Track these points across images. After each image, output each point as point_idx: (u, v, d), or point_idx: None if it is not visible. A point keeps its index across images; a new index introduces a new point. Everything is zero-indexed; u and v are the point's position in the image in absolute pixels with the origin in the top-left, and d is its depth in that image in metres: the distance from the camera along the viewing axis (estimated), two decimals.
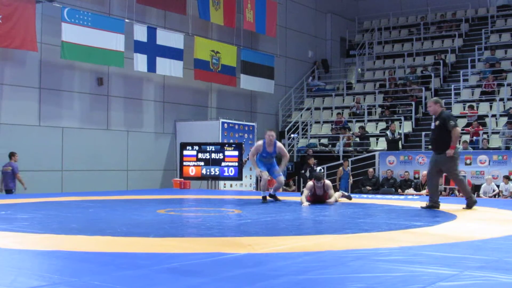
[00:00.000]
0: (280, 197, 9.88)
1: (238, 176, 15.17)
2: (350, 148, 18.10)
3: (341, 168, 16.20)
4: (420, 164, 15.59)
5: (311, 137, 19.67)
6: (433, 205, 8.37)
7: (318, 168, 16.00)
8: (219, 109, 18.09)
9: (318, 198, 9.35)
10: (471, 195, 8.50)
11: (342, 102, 21.18)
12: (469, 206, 8.36)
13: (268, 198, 9.52)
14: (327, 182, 9.45)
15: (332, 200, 9.34)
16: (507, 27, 22.14)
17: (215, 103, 18.27)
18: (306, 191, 9.37)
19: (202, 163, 15.05)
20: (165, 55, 15.78)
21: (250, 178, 16.39)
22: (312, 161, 16.37)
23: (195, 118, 17.23)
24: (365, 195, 12.78)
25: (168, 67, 15.94)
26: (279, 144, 9.60)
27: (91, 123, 14.71)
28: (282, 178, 9.71)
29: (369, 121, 19.21)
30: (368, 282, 3.38)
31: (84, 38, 13.72)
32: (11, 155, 12.60)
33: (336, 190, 14.10)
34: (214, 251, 4.40)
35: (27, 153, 13.19)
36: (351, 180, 16.23)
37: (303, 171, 16.28)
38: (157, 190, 14.07)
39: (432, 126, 8.59)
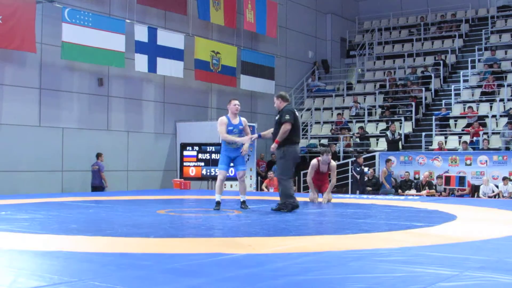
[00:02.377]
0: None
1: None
2: (351, 149, 18.10)
3: (385, 168, 15.51)
4: (420, 164, 15.59)
5: (311, 138, 19.66)
6: (292, 206, 7.80)
7: (366, 168, 15.56)
8: (219, 110, 18.07)
9: (320, 179, 9.89)
10: (285, 201, 7.82)
11: (342, 103, 21.17)
12: (278, 208, 7.78)
13: (242, 206, 8.24)
14: (333, 164, 9.93)
15: (327, 195, 9.73)
16: (507, 27, 22.14)
17: (215, 103, 18.27)
18: (310, 170, 9.94)
19: (202, 164, 15.04)
20: (165, 56, 15.78)
21: (251, 179, 16.38)
22: (361, 160, 15.65)
23: (195, 118, 17.22)
24: (365, 196, 12.79)
25: (168, 68, 15.94)
26: (243, 118, 8.53)
27: (91, 124, 14.71)
28: (243, 172, 8.29)
29: (369, 121, 19.21)
30: (368, 282, 3.38)
31: (84, 39, 13.71)
32: (98, 155, 14.00)
33: (376, 189, 14.28)
34: (214, 251, 4.40)
35: (27, 154, 13.20)
36: (393, 182, 15.41)
37: (358, 169, 15.40)
38: (157, 191, 14.07)
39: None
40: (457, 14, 24.10)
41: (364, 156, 17.14)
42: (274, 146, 7.86)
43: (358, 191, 14.73)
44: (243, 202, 8.28)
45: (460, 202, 10.12)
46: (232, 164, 8.44)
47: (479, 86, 19.05)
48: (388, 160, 15.56)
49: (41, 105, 13.68)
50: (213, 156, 14.96)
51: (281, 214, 7.48)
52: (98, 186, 13.91)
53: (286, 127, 7.76)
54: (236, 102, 8.42)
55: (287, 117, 7.78)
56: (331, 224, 6.87)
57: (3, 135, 12.91)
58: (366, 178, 15.20)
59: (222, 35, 18.32)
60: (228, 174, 8.68)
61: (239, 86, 18.32)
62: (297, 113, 8.11)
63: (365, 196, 12.74)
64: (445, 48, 22.31)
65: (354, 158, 16.01)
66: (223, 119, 8.37)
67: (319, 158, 10.07)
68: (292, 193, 7.92)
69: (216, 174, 14.66)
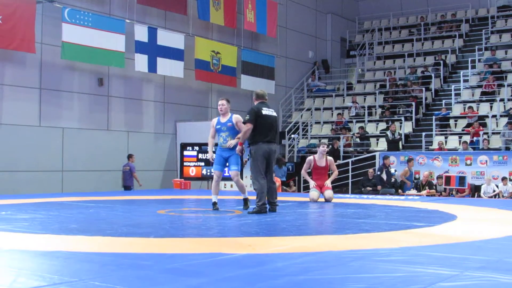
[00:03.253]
0: (279, 197, 8.60)
1: None
2: (351, 149, 18.10)
3: (406, 169, 15.14)
4: (421, 164, 15.57)
5: (311, 138, 19.66)
6: (260, 209, 7.56)
7: (393, 169, 15.34)
8: None
9: (319, 177, 9.94)
10: (258, 200, 7.56)
11: (342, 103, 21.16)
12: (256, 211, 7.57)
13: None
14: (330, 157, 10.21)
15: (329, 192, 9.86)
16: (508, 27, 22.14)
17: (215, 103, 18.22)
18: (305, 165, 10.11)
19: (203, 164, 15.04)
20: (165, 56, 15.78)
21: (251, 179, 16.36)
22: (388, 161, 15.28)
23: (195, 118, 17.22)
24: (365, 196, 12.78)
25: (168, 68, 15.94)
26: (236, 115, 8.26)
27: (91, 124, 14.71)
28: (234, 172, 8.02)
29: (369, 121, 19.21)
30: (369, 282, 3.38)
31: (84, 39, 13.72)
32: (129, 156, 14.59)
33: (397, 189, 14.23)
34: (215, 251, 4.40)
35: (27, 154, 13.20)
36: (441, 185, 14.73)
37: (379, 173, 15.13)
38: (157, 191, 14.08)
39: None
40: (457, 14, 24.10)
41: (364, 156, 17.16)
42: (238, 148, 7.79)
43: (415, 191, 14.45)
44: (244, 201, 8.09)
45: (460, 202, 10.12)
46: (228, 164, 8.26)
47: (479, 86, 19.05)
48: (409, 160, 15.21)
49: (41, 105, 13.68)
50: (213, 156, 14.94)
51: (280, 214, 7.48)
52: (128, 186, 14.47)
53: (244, 128, 7.69)
54: (221, 102, 8.25)
55: (246, 117, 7.72)
56: (331, 224, 6.87)
57: (3, 135, 12.91)
58: (393, 180, 14.96)
59: (222, 35, 18.32)
60: (223, 174, 8.51)
61: (239, 86, 18.32)
62: (264, 111, 7.80)
63: (365, 196, 12.74)
64: (445, 48, 22.31)
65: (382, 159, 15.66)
66: (213, 120, 8.39)
67: (315, 155, 10.18)
68: (265, 193, 7.70)
69: None
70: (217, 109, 8.37)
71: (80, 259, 4.10)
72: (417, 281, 3.37)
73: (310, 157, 10.18)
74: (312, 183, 10.04)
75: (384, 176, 14.87)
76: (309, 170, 10.24)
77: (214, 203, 8.03)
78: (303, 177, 10.37)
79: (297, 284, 3.35)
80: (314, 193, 9.93)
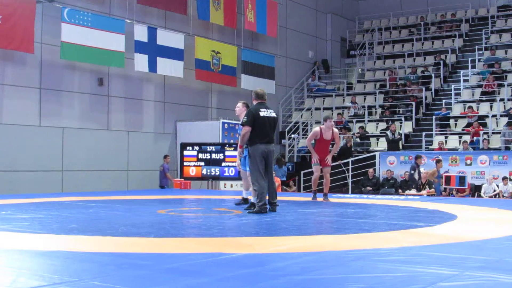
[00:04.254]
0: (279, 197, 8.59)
1: (239, 176, 15.12)
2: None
3: (435, 169, 14.87)
4: (421, 164, 15.56)
5: None
6: (260, 209, 7.55)
7: (423, 169, 15.19)
8: (219, 109, 18.08)
9: (324, 145, 10.04)
10: (258, 201, 7.57)
11: (342, 103, 21.16)
12: (257, 211, 7.53)
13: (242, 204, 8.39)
14: (336, 130, 10.30)
15: (328, 169, 10.15)
16: (508, 27, 22.14)
17: (216, 103, 18.27)
18: (311, 136, 10.11)
19: (203, 163, 15.03)
20: (165, 55, 15.77)
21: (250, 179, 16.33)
22: (420, 161, 14.93)
23: (195, 118, 17.22)
24: (365, 196, 12.78)
25: (168, 67, 15.94)
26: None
27: (91, 123, 14.71)
28: (247, 173, 8.32)
29: (369, 121, 19.21)
30: (369, 282, 3.38)
31: (84, 39, 13.71)
32: (165, 157, 15.41)
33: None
34: (215, 251, 4.40)
35: (27, 153, 13.20)
36: (442, 184, 14.76)
37: (412, 172, 14.75)
38: (157, 190, 14.08)
39: None
40: (457, 14, 24.11)
41: (364, 156, 17.15)
42: (238, 151, 7.90)
43: (415, 191, 14.37)
44: (243, 200, 8.27)
45: (460, 202, 10.12)
46: None
47: (479, 86, 19.06)
48: (438, 161, 14.90)
49: (41, 105, 13.68)
50: (213, 156, 14.96)
51: (280, 214, 7.48)
52: (163, 185, 15.21)
53: (242, 131, 7.67)
54: (237, 104, 8.58)
55: (244, 119, 7.67)
56: (331, 224, 6.87)
57: (3, 135, 12.91)
58: (420, 180, 14.72)
59: (222, 34, 18.32)
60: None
61: (239, 86, 18.31)
62: (263, 112, 7.70)
63: (365, 196, 12.74)
64: (445, 48, 22.31)
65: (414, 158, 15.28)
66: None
67: (322, 126, 10.13)
68: (265, 194, 7.69)
69: (216, 174, 14.84)
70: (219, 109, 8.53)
71: (80, 259, 4.10)
72: (417, 281, 3.37)
73: (317, 129, 10.07)
74: (315, 156, 10.05)
75: (416, 176, 14.66)
76: (313, 142, 10.17)
77: (243, 199, 8.45)
78: (308, 147, 10.31)
79: (297, 284, 3.35)
80: (318, 167, 10.06)
